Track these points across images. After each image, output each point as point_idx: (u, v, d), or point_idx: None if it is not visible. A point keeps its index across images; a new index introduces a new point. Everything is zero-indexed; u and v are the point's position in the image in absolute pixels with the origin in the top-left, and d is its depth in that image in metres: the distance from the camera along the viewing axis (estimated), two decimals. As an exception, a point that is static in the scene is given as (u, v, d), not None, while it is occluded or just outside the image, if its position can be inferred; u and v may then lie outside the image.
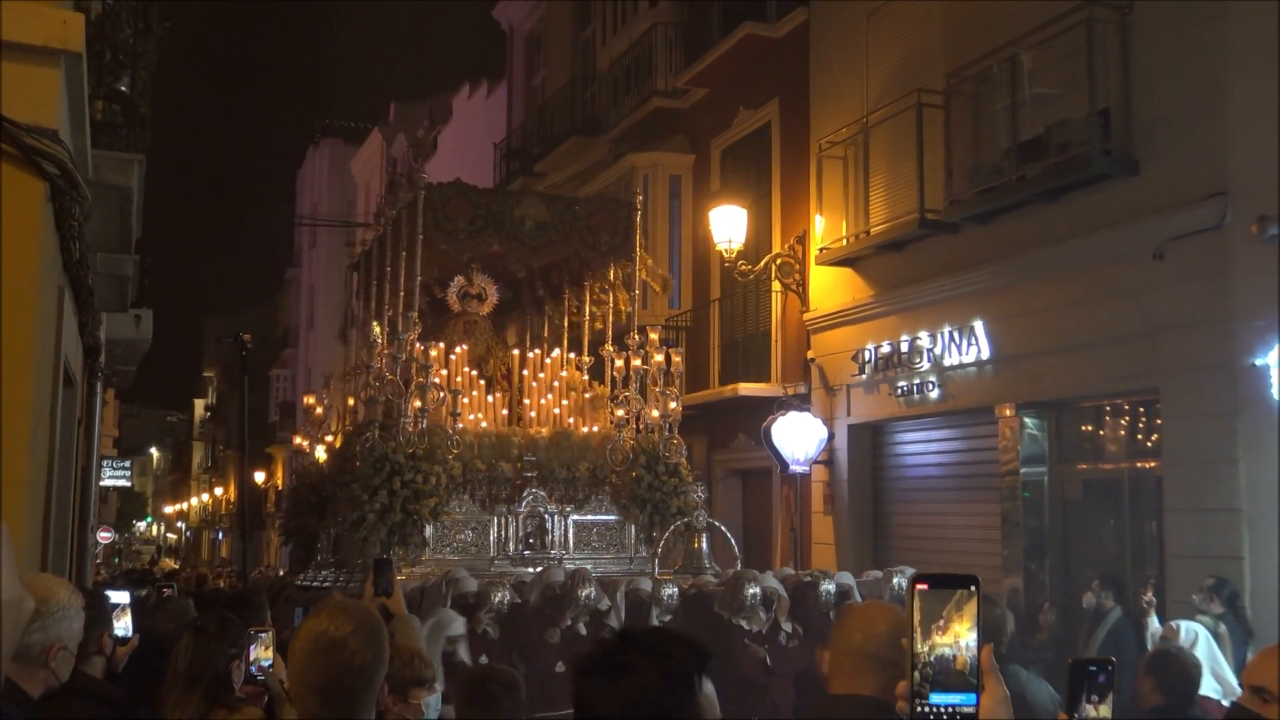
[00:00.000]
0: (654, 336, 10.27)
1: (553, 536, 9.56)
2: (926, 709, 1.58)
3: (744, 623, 7.96)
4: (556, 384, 10.59)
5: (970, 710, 1.57)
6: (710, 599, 8.25)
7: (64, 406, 6.87)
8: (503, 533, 9.44)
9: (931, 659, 1.57)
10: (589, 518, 9.81)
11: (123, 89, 6.49)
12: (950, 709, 1.57)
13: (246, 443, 12.21)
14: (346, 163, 38.92)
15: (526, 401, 10.60)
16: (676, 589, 8.19)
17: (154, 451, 77.64)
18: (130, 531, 73.43)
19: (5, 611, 1.07)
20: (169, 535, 71.27)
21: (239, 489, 41.10)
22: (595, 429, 10.28)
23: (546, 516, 9.55)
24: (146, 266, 10.24)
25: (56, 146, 4.43)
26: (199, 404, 62.49)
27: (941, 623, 1.58)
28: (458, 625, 7.34)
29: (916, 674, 1.58)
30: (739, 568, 9.22)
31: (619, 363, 10.25)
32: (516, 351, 11.26)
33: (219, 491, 52.63)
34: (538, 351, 11.07)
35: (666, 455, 9.95)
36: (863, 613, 2.62)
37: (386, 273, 10.18)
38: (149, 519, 78.65)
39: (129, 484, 51.39)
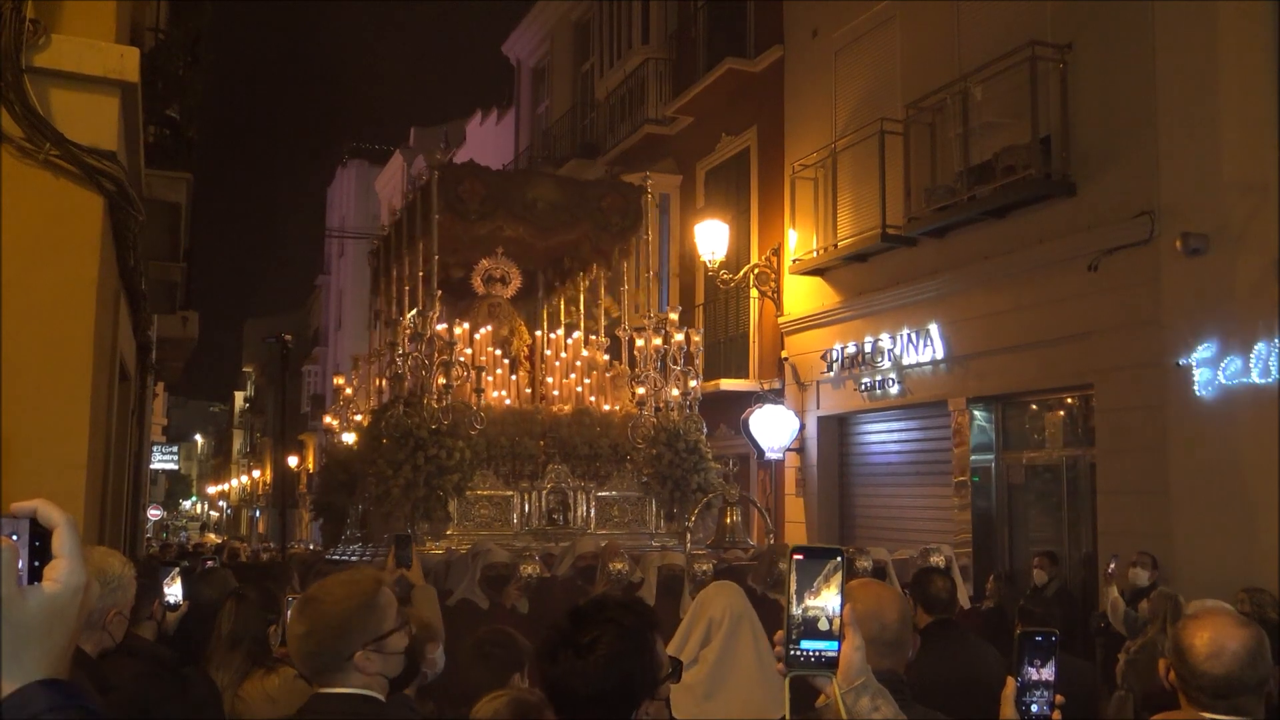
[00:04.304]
0: (673, 316, 9.50)
1: (575, 512, 8.76)
2: (798, 652, 1.73)
3: (778, 597, 7.11)
4: (579, 363, 9.79)
5: (833, 654, 1.73)
6: (743, 573, 7.29)
7: (119, 398, 6.85)
8: (526, 508, 8.61)
9: (804, 617, 1.73)
10: (611, 494, 8.97)
11: (173, 115, 6.48)
12: (817, 653, 1.73)
13: (285, 430, 12.13)
14: (371, 181, 38.87)
15: (550, 380, 9.76)
16: (712, 565, 7.29)
17: (198, 438, 77.54)
18: (177, 510, 73.24)
19: (74, 596, 1.12)
20: (212, 513, 71.04)
21: (275, 472, 41.00)
22: (617, 407, 9.46)
23: (569, 492, 8.75)
24: (193, 273, 10.19)
25: (114, 166, 4.41)
26: (239, 396, 62.32)
27: (813, 587, 1.72)
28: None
29: (794, 629, 1.73)
30: (772, 541, 8.47)
31: (640, 343, 9.37)
32: (539, 333, 10.51)
33: (256, 474, 52.44)
34: (559, 333, 10.35)
35: (686, 433, 9.07)
36: (875, 602, 2.47)
37: (404, 254, 9.47)
38: (193, 499, 78.47)
39: (176, 467, 51.30)
